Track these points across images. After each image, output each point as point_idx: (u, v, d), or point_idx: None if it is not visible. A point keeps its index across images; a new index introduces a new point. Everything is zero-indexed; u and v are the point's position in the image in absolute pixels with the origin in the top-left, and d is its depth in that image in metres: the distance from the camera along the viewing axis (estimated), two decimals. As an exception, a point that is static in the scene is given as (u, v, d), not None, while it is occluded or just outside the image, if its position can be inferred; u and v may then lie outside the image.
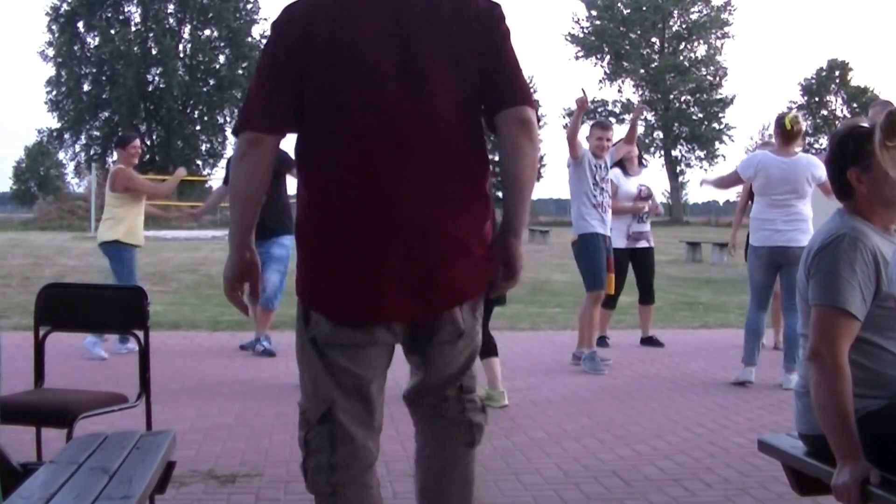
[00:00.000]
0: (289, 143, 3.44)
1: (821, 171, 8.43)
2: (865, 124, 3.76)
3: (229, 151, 73.79)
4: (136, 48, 72.29)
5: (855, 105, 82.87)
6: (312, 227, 3.27)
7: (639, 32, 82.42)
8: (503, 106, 3.30)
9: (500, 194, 3.85)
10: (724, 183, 9.51)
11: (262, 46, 3.43)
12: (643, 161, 11.10)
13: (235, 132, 3.30)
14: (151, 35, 72.89)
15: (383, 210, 3.15)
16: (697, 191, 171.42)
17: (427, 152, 3.20)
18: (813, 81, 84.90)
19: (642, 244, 10.66)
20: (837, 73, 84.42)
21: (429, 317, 3.33)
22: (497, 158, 4.06)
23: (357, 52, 3.17)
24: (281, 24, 3.34)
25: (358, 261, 3.17)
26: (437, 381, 3.58)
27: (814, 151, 73.10)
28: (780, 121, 8.63)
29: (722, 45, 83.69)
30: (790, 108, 79.55)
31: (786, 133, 8.60)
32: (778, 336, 10.43)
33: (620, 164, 10.56)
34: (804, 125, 8.87)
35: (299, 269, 3.34)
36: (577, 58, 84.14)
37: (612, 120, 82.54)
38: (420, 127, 3.18)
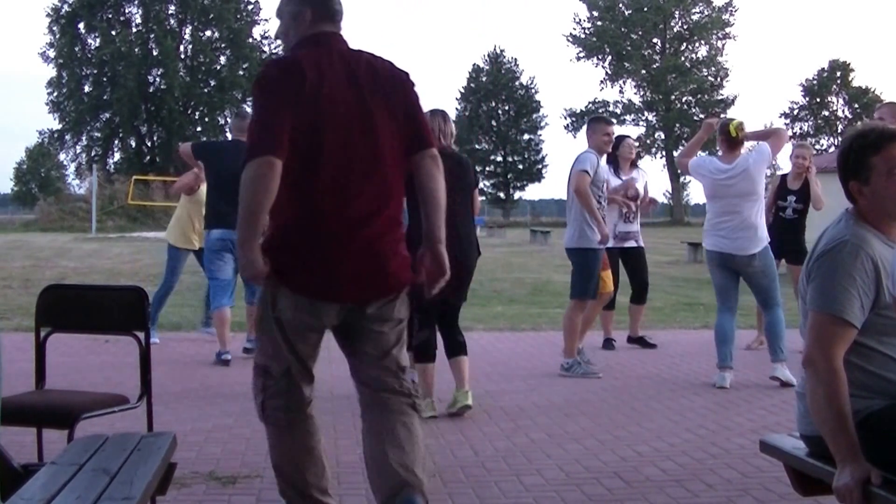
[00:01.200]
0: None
1: (764, 160, 8.57)
2: (879, 124, 3.76)
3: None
4: (136, 49, 72.34)
5: (856, 106, 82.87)
6: (294, 230, 4.23)
7: (640, 33, 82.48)
8: (421, 148, 4.42)
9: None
10: (679, 163, 9.56)
11: (260, 87, 4.25)
12: (637, 164, 11.00)
13: (253, 156, 4.06)
14: (152, 36, 72.95)
15: (347, 220, 4.20)
16: (698, 192, 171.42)
17: (376, 180, 4.28)
18: (814, 82, 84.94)
19: (630, 244, 10.64)
20: (839, 73, 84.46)
21: (376, 299, 4.33)
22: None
23: (334, 104, 4.20)
24: (277, 73, 4.27)
25: (327, 256, 4.20)
26: (378, 355, 4.46)
27: (814, 153, 73.27)
28: (723, 128, 8.71)
29: (723, 45, 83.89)
30: (789, 111, 79.68)
31: (730, 140, 8.70)
32: (762, 334, 10.43)
33: (614, 161, 10.55)
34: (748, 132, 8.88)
35: (279, 259, 4.20)
36: (578, 59, 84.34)
37: (614, 121, 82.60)
38: (371, 161, 4.27)
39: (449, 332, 7.68)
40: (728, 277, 8.62)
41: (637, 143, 10.94)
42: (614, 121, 69.66)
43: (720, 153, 8.82)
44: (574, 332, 9.23)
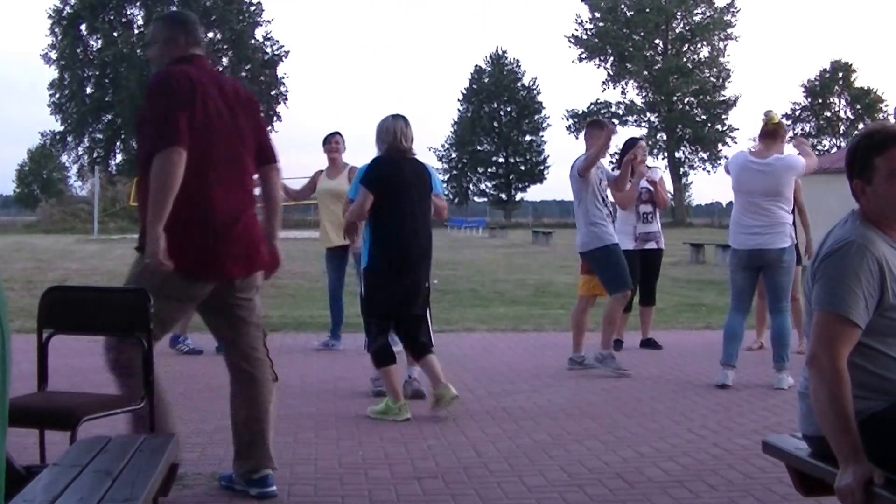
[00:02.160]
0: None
1: (796, 170, 8.52)
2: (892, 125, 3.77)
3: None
4: (138, 50, 72.31)
5: (858, 107, 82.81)
6: (186, 218, 4.88)
7: (642, 34, 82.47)
8: (268, 161, 5.35)
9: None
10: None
11: (160, 89, 5.04)
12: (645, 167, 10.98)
13: (162, 147, 4.77)
14: (154, 37, 72.92)
15: (229, 211, 5.03)
16: (700, 193, 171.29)
17: (246, 181, 5.22)
18: (816, 83, 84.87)
19: (651, 245, 10.66)
20: (840, 74, 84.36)
21: (247, 276, 5.22)
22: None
23: (217, 110, 5.00)
24: (173, 78, 5.02)
25: (213, 242, 4.99)
26: (254, 321, 5.36)
27: (817, 153, 73.11)
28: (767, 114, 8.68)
29: (725, 46, 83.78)
30: (791, 112, 79.64)
31: (762, 131, 8.70)
32: (761, 337, 10.42)
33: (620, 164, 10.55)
34: (782, 126, 8.80)
35: (171, 243, 4.83)
36: (580, 60, 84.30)
37: (615, 121, 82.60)
38: (241, 164, 5.17)
39: (411, 338, 7.67)
40: (750, 279, 8.61)
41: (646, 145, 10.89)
42: (616, 122, 69.66)
43: (756, 148, 8.76)
44: (614, 323, 9.32)
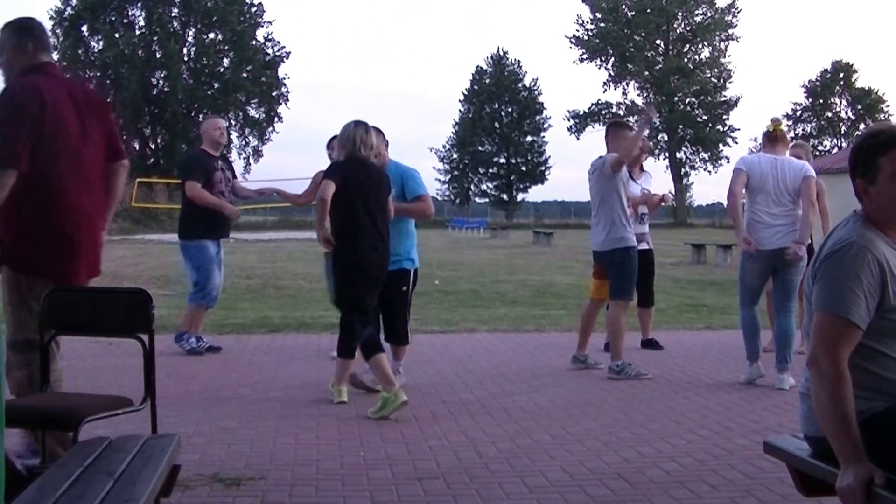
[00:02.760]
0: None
1: (810, 176, 8.58)
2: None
3: (234, 154, 73.99)
4: (140, 52, 72.46)
5: (859, 107, 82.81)
6: (41, 227, 5.23)
7: (643, 35, 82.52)
8: (118, 158, 5.68)
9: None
10: (737, 188, 9.23)
11: (4, 106, 5.17)
12: (643, 168, 11.02)
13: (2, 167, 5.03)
14: (155, 39, 73.10)
15: (80, 217, 5.37)
16: (701, 194, 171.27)
17: (95, 184, 5.48)
18: (817, 83, 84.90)
19: (643, 246, 10.65)
20: (842, 74, 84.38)
21: (87, 280, 5.61)
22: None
23: (64, 120, 5.24)
24: (20, 93, 5.21)
25: (67, 247, 5.33)
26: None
27: (818, 153, 72.85)
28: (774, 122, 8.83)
29: (726, 47, 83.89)
30: (792, 113, 79.54)
31: (768, 135, 8.78)
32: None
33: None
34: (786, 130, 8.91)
35: (28, 251, 5.25)
36: (581, 60, 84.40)
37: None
38: (91, 167, 5.44)
39: (387, 331, 8.21)
40: (763, 279, 8.65)
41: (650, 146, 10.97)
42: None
43: (766, 149, 8.82)
44: (621, 333, 9.24)
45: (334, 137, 9.92)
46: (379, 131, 8.27)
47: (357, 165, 7.70)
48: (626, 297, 9.32)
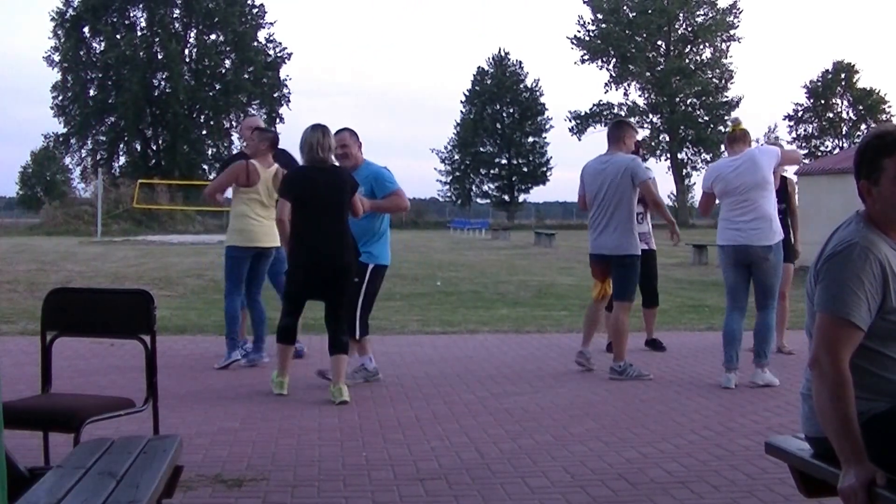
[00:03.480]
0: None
1: (771, 155, 8.71)
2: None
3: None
4: (141, 53, 72.48)
5: (861, 107, 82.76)
6: None
7: (644, 36, 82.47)
8: None
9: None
10: (703, 207, 9.43)
11: None
12: None
13: None
14: (157, 40, 73.11)
15: None
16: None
17: None
18: (818, 84, 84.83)
19: (642, 246, 10.64)
20: (843, 75, 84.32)
21: None
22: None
23: None
24: None
25: None
26: None
27: (819, 154, 72.84)
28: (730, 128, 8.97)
29: (727, 47, 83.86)
30: (794, 113, 79.52)
31: (729, 136, 8.96)
32: (782, 338, 10.41)
33: None
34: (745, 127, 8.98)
35: None
36: (582, 61, 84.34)
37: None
38: None
39: (332, 330, 8.22)
40: (740, 276, 8.65)
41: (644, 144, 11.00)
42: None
43: (726, 154, 8.95)
44: (625, 334, 9.26)
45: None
46: (352, 132, 8.71)
47: (312, 173, 8.13)
48: (631, 299, 9.35)
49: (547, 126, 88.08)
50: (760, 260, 8.50)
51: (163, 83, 73.72)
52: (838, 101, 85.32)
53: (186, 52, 75.45)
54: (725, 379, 8.61)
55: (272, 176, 9.49)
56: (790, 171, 10.96)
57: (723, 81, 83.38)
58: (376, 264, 8.70)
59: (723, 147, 9.84)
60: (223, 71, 75.47)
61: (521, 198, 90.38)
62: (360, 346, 8.77)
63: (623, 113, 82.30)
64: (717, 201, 9.07)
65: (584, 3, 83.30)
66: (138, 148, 75.29)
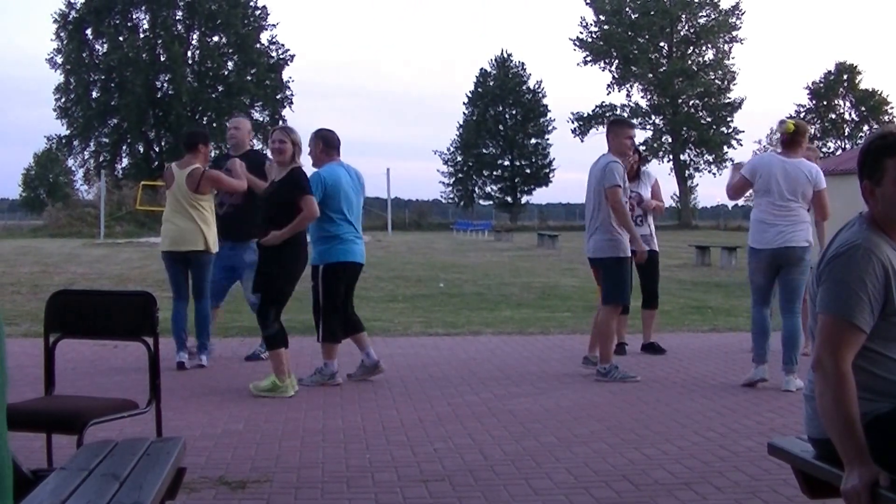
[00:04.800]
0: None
1: (822, 181, 8.60)
2: None
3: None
4: (144, 55, 72.51)
5: (863, 108, 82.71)
6: None
7: (647, 37, 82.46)
8: None
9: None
10: (736, 191, 9.35)
11: None
12: (640, 174, 10.94)
13: None
14: (160, 42, 73.12)
15: None
16: (705, 196, 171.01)
17: None
18: (821, 85, 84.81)
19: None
20: (845, 76, 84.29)
21: None
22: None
23: None
24: None
25: None
26: None
27: (821, 155, 73.09)
28: (781, 126, 8.78)
29: (730, 48, 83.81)
30: (796, 114, 79.38)
31: (787, 137, 8.73)
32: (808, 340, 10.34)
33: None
34: (800, 133, 8.84)
35: None
36: (585, 62, 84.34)
37: (636, 124, 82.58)
38: None
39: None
40: (769, 279, 8.62)
41: (644, 148, 10.99)
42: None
43: (778, 151, 8.89)
44: (610, 337, 9.26)
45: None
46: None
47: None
48: (618, 301, 9.32)
49: (549, 127, 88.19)
50: (797, 260, 8.46)
51: (165, 85, 73.74)
52: (840, 102, 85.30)
53: (189, 53, 75.46)
54: (759, 371, 8.60)
55: (185, 176, 9.56)
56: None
57: (725, 83, 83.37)
58: (326, 263, 8.76)
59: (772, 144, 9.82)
60: (226, 73, 75.46)
61: (524, 199, 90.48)
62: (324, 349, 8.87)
63: (626, 114, 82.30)
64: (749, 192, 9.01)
65: (587, 4, 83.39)
66: (141, 150, 75.32)
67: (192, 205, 9.43)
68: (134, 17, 74.33)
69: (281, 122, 74.82)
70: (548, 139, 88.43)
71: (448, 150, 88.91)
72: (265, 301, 8.38)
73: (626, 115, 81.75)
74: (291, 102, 77.71)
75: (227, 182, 9.49)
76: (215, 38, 76.09)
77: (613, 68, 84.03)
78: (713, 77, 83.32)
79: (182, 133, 10.08)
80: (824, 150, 79.61)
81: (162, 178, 9.46)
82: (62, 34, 71.82)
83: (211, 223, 9.64)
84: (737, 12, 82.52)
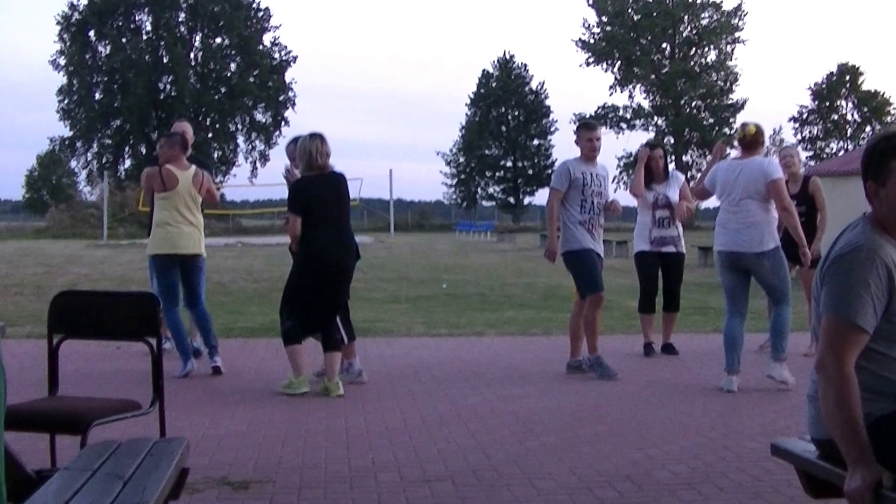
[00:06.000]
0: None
1: (773, 172, 8.57)
2: None
3: (240, 159, 74.12)
4: (147, 56, 72.59)
5: (865, 109, 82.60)
6: None
7: (649, 38, 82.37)
8: None
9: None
10: (696, 194, 9.57)
11: None
12: (669, 175, 10.97)
13: None
14: (162, 43, 73.21)
15: None
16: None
17: None
18: (823, 86, 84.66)
19: (668, 249, 10.63)
20: (848, 77, 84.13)
21: None
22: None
23: None
24: None
25: None
26: None
27: (824, 156, 72.67)
28: (741, 130, 8.88)
29: (732, 50, 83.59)
30: (798, 115, 79.35)
31: (742, 142, 8.84)
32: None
33: (648, 171, 10.66)
34: (761, 134, 8.89)
35: None
36: (587, 64, 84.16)
37: (623, 125, 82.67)
38: None
39: (328, 330, 8.45)
40: (737, 280, 8.62)
41: (663, 153, 11.00)
42: (624, 126, 69.22)
43: (735, 155, 8.94)
44: (594, 328, 9.35)
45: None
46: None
47: (314, 181, 8.38)
48: (592, 290, 9.38)
49: (552, 128, 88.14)
50: (754, 265, 8.49)
51: (168, 87, 73.81)
52: (843, 104, 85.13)
53: (192, 55, 75.53)
54: (727, 381, 8.57)
55: (192, 177, 9.49)
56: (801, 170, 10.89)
57: (728, 84, 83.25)
58: None
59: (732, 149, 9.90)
60: (228, 74, 75.51)
61: (527, 200, 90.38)
62: (349, 349, 8.98)
63: (628, 115, 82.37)
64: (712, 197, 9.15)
65: (589, 5, 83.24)
66: (144, 151, 75.26)
67: (196, 207, 9.43)
68: (137, 18, 74.45)
69: (283, 124, 75.07)
70: (550, 140, 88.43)
71: (451, 151, 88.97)
72: (282, 300, 8.65)
73: (628, 116, 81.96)
74: (294, 104, 77.86)
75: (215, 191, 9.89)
76: (218, 40, 76.15)
77: (616, 69, 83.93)
78: (715, 78, 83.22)
79: (175, 135, 9.82)
80: (826, 150, 79.66)
81: (154, 179, 9.28)
82: (65, 36, 71.91)
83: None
84: (739, 13, 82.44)
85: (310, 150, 8.33)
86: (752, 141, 8.75)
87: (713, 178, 8.91)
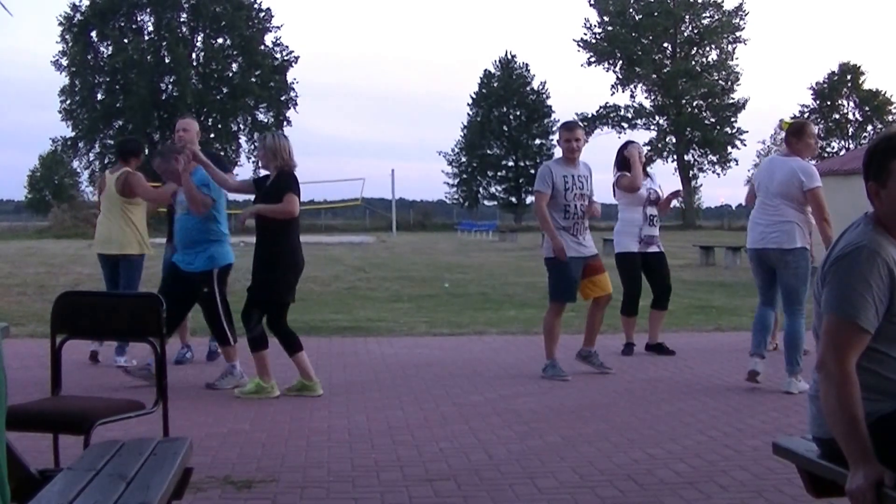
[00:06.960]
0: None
1: (809, 181, 8.44)
2: None
3: (243, 158, 74.07)
4: (149, 57, 72.52)
5: (867, 108, 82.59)
6: None
7: (651, 38, 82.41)
8: None
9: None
10: (746, 198, 9.52)
11: None
12: (647, 170, 10.94)
13: None
14: (164, 44, 73.16)
15: None
16: (710, 197, 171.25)
17: None
18: (825, 85, 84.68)
19: (653, 249, 10.65)
20: (849, 76, 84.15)
21: None
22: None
23: None
24: None
25: None
26: None
27: (825, 155, 72.72)
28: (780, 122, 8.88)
29: (734, 49, 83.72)
30: (800, 114, 79.27)
31: (784, 137, 8.82)
32: (774, 339, 10.17)
33: (627, 168, 10.62)
34: (799, 130, 8.79)
35: None
36: (589, 63, 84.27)
37: (625, 125, 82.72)
38: None
39: (287, 333, 8.54)
40: (767, 278, 8.63)
41: (649, 148, 11.04)
42: (625, 126, 69.28)
43: (781, 151, 8.94)
44: (552, 334, 9.51)
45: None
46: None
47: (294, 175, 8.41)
48: (560, 299, 9.56)
49: (554, 128, 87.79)
50: (780, 262, 8.44)
51: (170, 87, 73.77)
52: (844, 103, 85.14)
53: (194, 55, 75.48)
54: (752, 363, 8.59)
55: (114, 180, 9.83)
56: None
57: (729, 83, 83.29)
58: (220, 267, 9.00)
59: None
60: (230, 74, 75.44)
61: (528, 200, 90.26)
62: (231, 351, 8.94)
63: (630, 115, 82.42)
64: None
65: (591, 5, 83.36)
66: (146, 152, 75.27)
67: (115, 208, 9.94)
68: (138, 19, 74.39)
69: (285, 124, 75.02)
70: (552, 140, 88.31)
71: (452, 150, 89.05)
72: (250, 304, 8.46)
73: (630, 115, 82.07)
74: (296, 104, 77.72)
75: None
76: (220, 40, 76.08)
77: (617, 69, 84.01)
78: (717, 77, 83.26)
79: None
80: (828, 150, 79.61)
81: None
82: (67, 37, 71.86)
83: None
84: (740, 13, 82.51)
85: (288, 149, 8.30)
86: (788, 135, 8.73)
87: (756, 174, 8.92)
